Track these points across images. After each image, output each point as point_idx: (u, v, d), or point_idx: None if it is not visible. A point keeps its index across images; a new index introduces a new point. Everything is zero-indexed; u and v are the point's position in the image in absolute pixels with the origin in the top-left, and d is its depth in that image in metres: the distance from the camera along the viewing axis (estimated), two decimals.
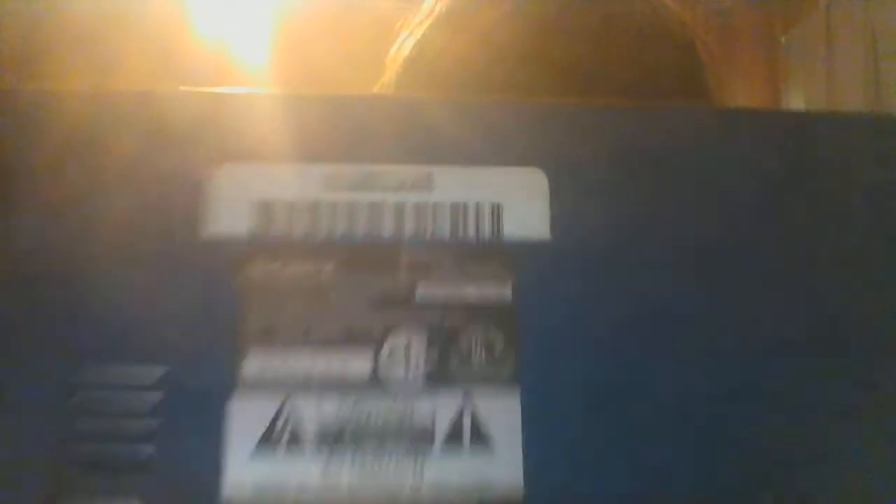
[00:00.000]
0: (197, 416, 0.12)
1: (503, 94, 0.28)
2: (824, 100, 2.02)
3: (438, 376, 0.13)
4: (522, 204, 0.14)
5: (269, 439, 0.12)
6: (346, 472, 0.12)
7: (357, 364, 0.13)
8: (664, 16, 0.33)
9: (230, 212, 0.14)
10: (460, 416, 0.13)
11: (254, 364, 0.13)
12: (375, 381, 0.13)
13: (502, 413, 0.13)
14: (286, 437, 0.12)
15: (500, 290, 0.13)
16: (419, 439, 0.12)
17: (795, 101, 2.21)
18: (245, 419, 0.12)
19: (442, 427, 0.13)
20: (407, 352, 0.13)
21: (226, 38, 1.70)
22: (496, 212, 0.14)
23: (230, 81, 1.66)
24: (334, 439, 0.12)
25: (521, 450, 0.12)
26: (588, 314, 0.13)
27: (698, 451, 0.13)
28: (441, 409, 0.13)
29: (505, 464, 0.12)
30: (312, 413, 0.13)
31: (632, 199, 0.15)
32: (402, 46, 0.33)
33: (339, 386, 0.13)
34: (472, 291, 0.13)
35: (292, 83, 1.59)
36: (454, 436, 0.13)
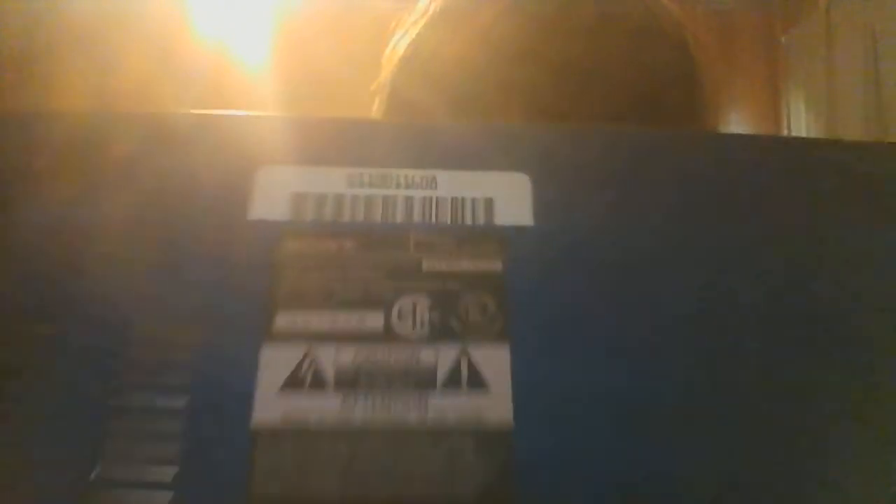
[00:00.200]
0: (233, 362, 0.15)
1: (500, 93, 0.28)
2: (824, 100, 2.02)
3: (440, 332, 0.15)
4: (510, 198, 0.17)
5: (294, 381, 0.15)
6: (360, 407, 0.15)
7: (371, 321, 0.16)
8: (659, 14, 0.33)
9: (270, 202, 0.17)
10: (458, 363, 0.15)
11: (283, 320, 0.15)
12: (387, 335, 0.15)
13: (494, 361, 0.15)
14: (309, 379, 0.15)
15: (491, 264, 0.16)
16: (423, 381, 0.15)
17: (795, 101, 2.21)
18: (274, 365, 0.15)
19: (443, 371, 0.15)
20: (414, 312, 0.16)
21: (226, 38, 1.70)
22: (488, 204, 0.17)
23: (230, 81, 1.66)
24: (350, 381, 0.15)
25: (510, 390, 0.15)
26: (565, 282, 0.16)
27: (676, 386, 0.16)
28: (442, 358, 0.15)
29: (496, 401, 0.15)
30: (332, 360, 0.15)
31: (599, 199, 0.18)
32: (398, 45, 0.33)
33: (355, 338, 0.15)
34: (468, 264, 0.16)
35: (292, 83, 1.59)
36: (453, 378, 0.15)
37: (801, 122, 2.18)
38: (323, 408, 0.14)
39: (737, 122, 2.38)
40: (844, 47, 1.95)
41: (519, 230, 0.17)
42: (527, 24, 0.29)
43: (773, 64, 2.35)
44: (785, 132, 2.26)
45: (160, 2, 1.62)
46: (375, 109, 0.34)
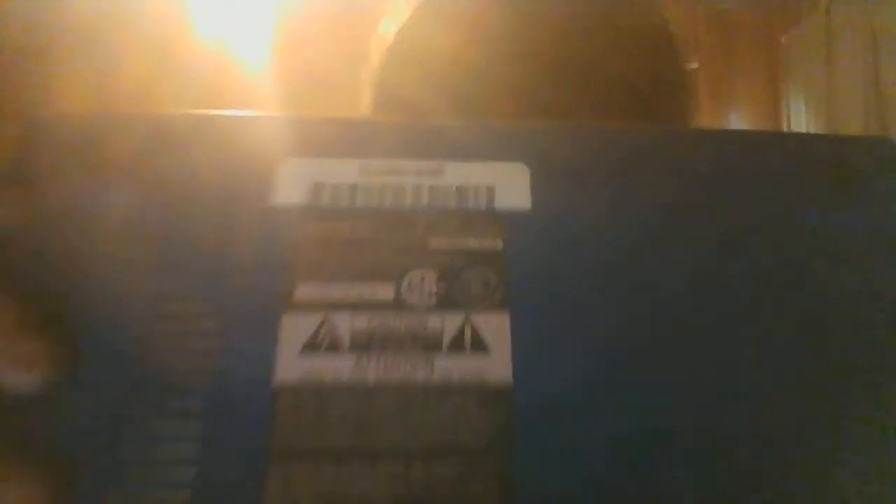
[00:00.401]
0: (256, 326, 0.16)
1: (497, 91, 0.28)
2: (824, 100, 2.02)
3: (445, 301, 0.17)
4: (510, 186, 0.19)
5: (312, 344, 0.16)
6: (373, 367, 0.16)
7: (383, 292, 0.17)
8: (655, 13, 0.33)
9: (291, 189, 0.18)
10: (462, 328, 0.16)
11: (302, 290, 0.17)
12: (397, 304, 0.17)
13: (495, 327, 0.17)
14: (326, 342, 0.16)
15: (493, 243, 0.18)
16: (430, 345, 0.16)
17: (795, 101, 2.21)
18: (294, 330, 0.16)
19: (448, 336, 0.16)
20: (421, 283, 0.17)
21: (225, 38, 1.70)
22: (490, 191, 0.19)
23: (230, 82, 1.66)
24: (364, 344, 0.16)
25: (510, 353, 0.16)
26: (560, 259, 0.18)
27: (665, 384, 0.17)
28: (447, 324, 0.17)
29: (497, 363, 0.16)
30: (347, 326, 0.16)
31: (595, 190, 0.19)
32: (387, 31, 0.33)
33: (368, 307, 0.17)
34: (472, 243, 0.18)
35: (292, 83, 1.58)
36: (457, 343, 0.16)
37: (801, 122, 2.18)
38: (338, 368, 0.16)
39: (737, 122, 2.38)
40: (844, 47, 1.95)
41: (518, 214, 0.18)
42: (522, 20, 0.29)
43: (774, 64, 2.35)
44: (785, 131, 2.25)
45: (160, 2, 1.62)
46: (366, 97, 0.34)
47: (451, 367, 0.16)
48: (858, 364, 0.17)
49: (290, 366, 0.16)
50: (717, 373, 0.16)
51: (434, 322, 0.17)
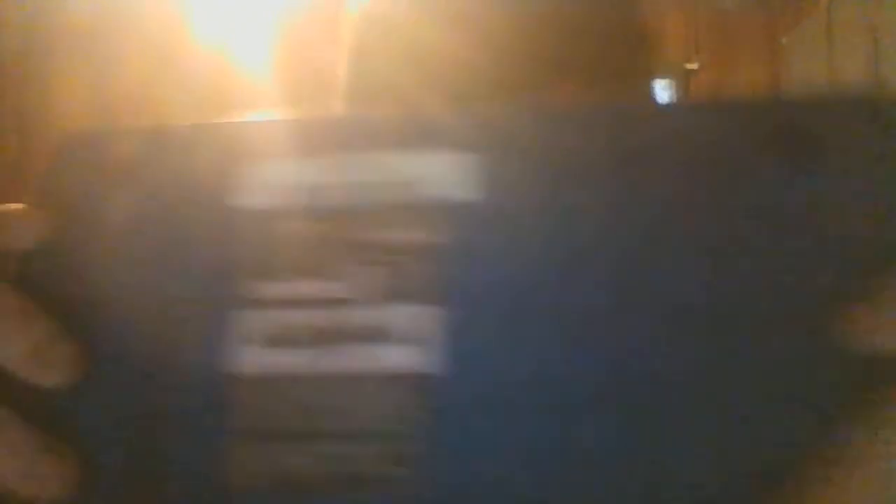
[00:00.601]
0: (216, 324, 0.18)
1: (485, 83, 0.28)
2: None
3: (387, 295, 0.18)
4: (453, 176, 0.19)
5: (267, 340, 0.18)
6: (324, 357, 0.18)
7: (330, 289, 0.18)
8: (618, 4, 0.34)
9: (245, 191, 0.19)
10: (401, 321, 0.18)
11: (257, 289, 0.18)
12: (342, 300, 0.18)
13: (430, 318, 0.17)
14: (280, 338, 0.18)
15: (435, 236, 0.18)
16: (374, 336, 0.18)
17: None
18: (251, 326, 0.18)
19: (388, 329, 0.18)
20: (365, 279, 0.18)
21: (226, 38, 1.70)
22: (433, 182, 0.19)
23: (229, 82, 1.66)
24: (313, 340, 0.18)
25: (444, 346, 0.17)
26: (502, 251, 0.18)
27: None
28: (388, 317, 0.18)
29: (430, 355, 0.17)
30: (299, 322, 0.18)
31: (537, 175, 0.19)
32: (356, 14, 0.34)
33: (317, 302, 0.18)
34: (413, 236, 0.18)
35: (292, 85, 1.58)
36: (396, 334, 0.17)
37: None
38: (290, 362, 0.18)
39: None
40: (844, 47, 1.95)
41: (461, 205, 0.18)
42: (507, 14, 0.30)
43: (774, 64, 2.35)
44: None
45: (160, 2, 1.62)
46: (342, 70, 0.35)
47: (394, 356, 0.17)
48: (791, 339, 0.16)
49: (248, 360, 0.18)
50: (650, 385, 0.16)
51: (376, 316, 0.18)
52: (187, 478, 0.17)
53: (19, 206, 0.19)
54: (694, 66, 2.31)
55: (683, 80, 2.35)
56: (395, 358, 0.17)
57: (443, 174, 0.19)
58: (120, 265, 0.19)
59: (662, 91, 2.38)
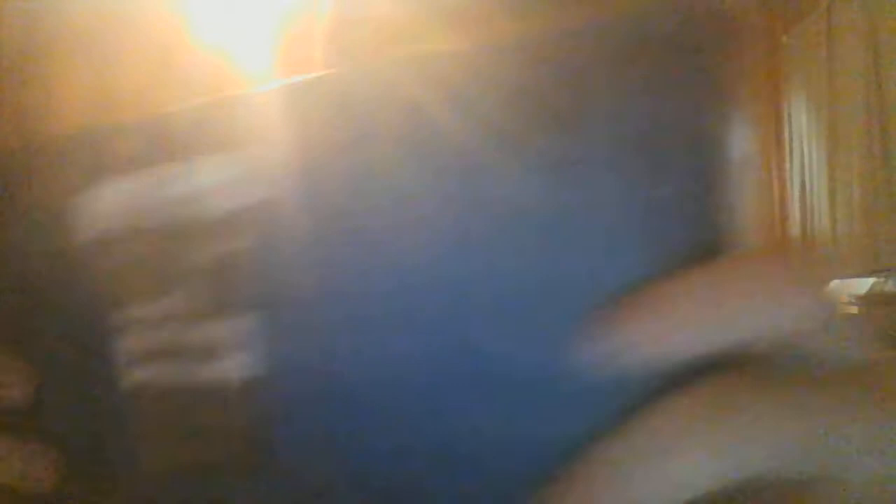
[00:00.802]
0: (81, 348, 0.21)
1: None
2: (824, 100, 2.02)
3: (211, 310, 0.19)
4: (255, 178, 0.19)
5: (122, 359, 0.20)
6: (166, 371, 0.19)
7: (166, 306, 0.19)
8: None
9: (80, 221, 0.20)
10: (224, 335, 0.19)
11: (109, 313, 0.20)
12: (175, 316, 0.19)
13: (245, 330, 0.19)
14: (141, 355, 0.20)
15: (242, 242, 0.19)
16: (206, 350, 0.19)
17: (796, 101, 2.21)
18: (122, 347, 0.20)
19: (218, 341, 0.19)
20: (191, 294, 0.19)
21: (227, 40, 1.69)
22: (227, 188, 0.19)
23: (230, 82, 1.66)
24: (153, 356, 0.20)
25: (257, 352, 0.18)
26: (308, 251, 0.18)
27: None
28: (213, 332, 0.19)
29: (245, 362, 0.19)
30: (142, 341, 0.20)
31: (335, 173, 0.18)
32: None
33: (158, 323, 0.20)
34: (224, 246, 0.19)
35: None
36: (226, 344, 0.19)
37: (801, 122, 2.18)
38: (151, 375, 0.20)
39: (738, 122, 2.36)
40: (844, 47, 1.95)
41: (262, 206, 0.19)
42: None
43: (774, 64, 2.34)
44: (786, 131, 2.25)
45: (160, 3, 1.61)
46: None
47: (220, 369, 0.19)
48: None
49: (130, 376, 0.20)
50: (470, 374, 0.17)
51: (203, 331, 0.19)
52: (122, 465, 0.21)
53: None
54: None
55: None
56: (226, 368, 0.19)
57: (239, 176, 0.19)
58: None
59: None
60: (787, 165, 2.27)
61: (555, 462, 0.16)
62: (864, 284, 1.53)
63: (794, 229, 2.21)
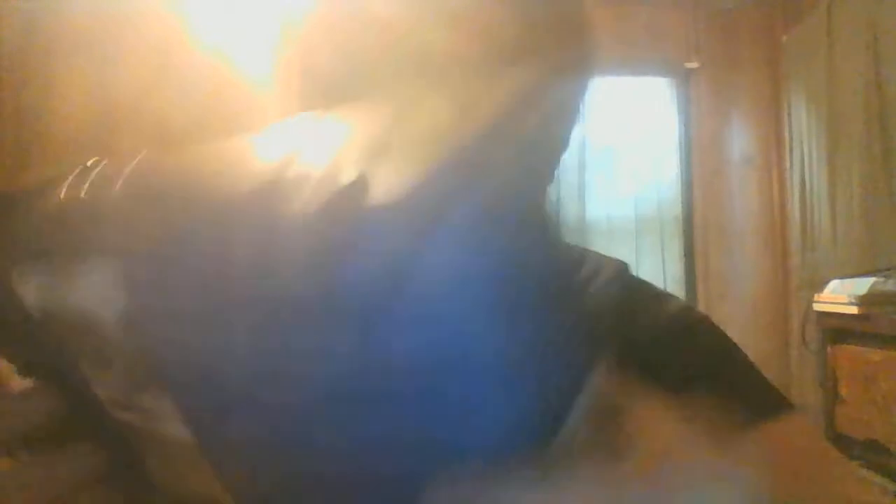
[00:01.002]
0: None
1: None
2: (824, 100, 2.02)
3: (132, 387, 0.21)
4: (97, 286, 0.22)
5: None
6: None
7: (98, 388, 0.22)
8: None
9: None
10: (148, 403, 0.21)
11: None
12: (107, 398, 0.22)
13: (163, 397, 0.20)
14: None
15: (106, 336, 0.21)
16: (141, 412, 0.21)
17: (796, 101, 2.21)
18: None
19: (147, 407, 0.21)
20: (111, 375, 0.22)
21: (227, 41, 1.69)
22: (86, 295, 0.22)
23: (231, 84, 1.66)
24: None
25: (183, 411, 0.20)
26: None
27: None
28: (142, 401, 0.21)
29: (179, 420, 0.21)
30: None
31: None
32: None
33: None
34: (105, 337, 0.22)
35: (292, 85, 1.58)
36: (152, 411, 0.21)
37: (801, 122, 2.18)
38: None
39: (737, 122, 2.38)
40: (845, 47, 1.95)
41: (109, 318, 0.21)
42: None
43: (774, 64, 2.35)
44: (786, 131, 2.25)
45: (160, 3, 1.62)
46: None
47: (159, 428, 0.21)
48: None
49: None
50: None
51: (132, 403, 0.21)
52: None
53: None
54: (694, 65, 2.31)
55: (683, 80, 2.35)
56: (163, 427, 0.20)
57: (91, 285, 0.21)
58: None
59: (663, 90, 2.38)
60: (787, 165, 2.27)
61: None
62: (864, 284, 1.53)
63: (794, 229, 2.21)
